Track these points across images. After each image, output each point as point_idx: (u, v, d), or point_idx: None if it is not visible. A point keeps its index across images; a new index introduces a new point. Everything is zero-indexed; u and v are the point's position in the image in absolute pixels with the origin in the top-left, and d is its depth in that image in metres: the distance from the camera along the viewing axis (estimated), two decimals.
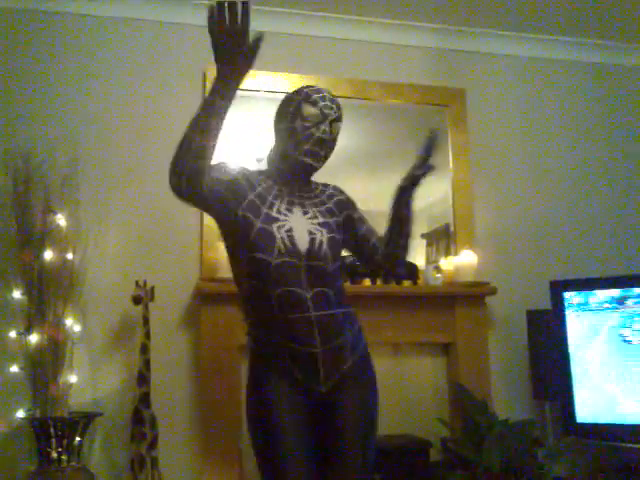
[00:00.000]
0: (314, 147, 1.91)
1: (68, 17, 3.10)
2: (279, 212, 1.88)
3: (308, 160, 1.91)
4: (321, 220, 1.92)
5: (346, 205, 2.05)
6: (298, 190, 1.97)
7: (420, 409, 3.16)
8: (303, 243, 1.85)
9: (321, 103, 1.93)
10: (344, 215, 2.03)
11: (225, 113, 1.77)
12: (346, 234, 2.03)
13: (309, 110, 1.93)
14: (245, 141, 3.20)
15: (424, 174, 2.00)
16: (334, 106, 1.94)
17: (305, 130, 1.91)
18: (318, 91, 1.96)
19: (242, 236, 1.86)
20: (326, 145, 1.92)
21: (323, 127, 1.91)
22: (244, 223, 1.85)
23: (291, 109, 1.96)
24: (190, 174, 1.74)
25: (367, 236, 2.07)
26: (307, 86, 2.00)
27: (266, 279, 1.83)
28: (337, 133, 1.96)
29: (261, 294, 1.84)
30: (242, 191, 1.88)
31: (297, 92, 1.99)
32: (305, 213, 1.92)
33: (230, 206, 1.87)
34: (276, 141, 2.01)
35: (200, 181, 1.76)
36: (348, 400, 1.87)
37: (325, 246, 1.87)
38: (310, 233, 1.88)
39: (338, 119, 1.95)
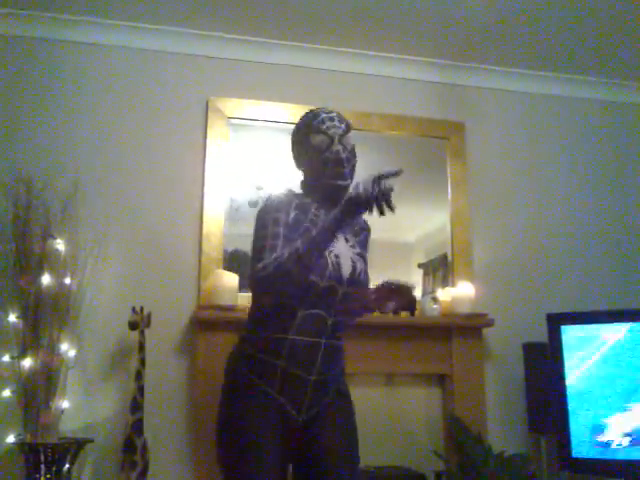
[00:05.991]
0: (336, 168, 1.96)
1: (70, 45, 3.13)
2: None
3: (336, 182, 1.96)
4: (358, 250, 2.01)
5: (365, 237, 2.13)
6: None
7: (414, 441, 3.13)
8: (346, 270, 1.92)
9: (324, 126, 1.99)
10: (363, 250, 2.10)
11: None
12: None
13: (316, 139, 1.99)
14: (247, 169, 3.22)
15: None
16: (336, 123, 2.00)
17: (320, 158, 1.97)
18: (317, 116, 2.02)
19: None
20: (346, 161, 1.97)
21: (335, 147, 1.97)
22: None
23: (302, 145, 2.04)
24: (280, 291, 1.82)
25: None
26: (306, 114, 2.07)
27: (304, 299, 1.86)
28: (352, 143, 2.02)
29: (285, 313, 1.86)
30: (300, 223, 1.92)
31: (300, 126, 2.07)
32: (347, 241, 2.00)
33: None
34: (303, 171, 2.08)
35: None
36: (330, 432, 1.90)
37: (363, 276, 1.96)
38: (352, 261, 1.95)
39: (346, 131, 2.01)
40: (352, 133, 2.07)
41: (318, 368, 1.85)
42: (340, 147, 1.97)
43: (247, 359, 1.91)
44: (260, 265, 1.79)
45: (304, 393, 1.86)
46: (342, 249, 1.95)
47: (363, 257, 2.02)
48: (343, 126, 2.01)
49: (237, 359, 1.95)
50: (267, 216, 1.91)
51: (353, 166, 2.02)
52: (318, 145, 1.98)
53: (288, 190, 2.04)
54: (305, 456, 1.90)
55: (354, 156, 2.04)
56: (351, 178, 2.00)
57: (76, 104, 3.10)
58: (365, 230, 2.15)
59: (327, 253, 1.88)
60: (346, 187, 1.97)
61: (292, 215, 1.93)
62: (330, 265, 1.87)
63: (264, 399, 1.86)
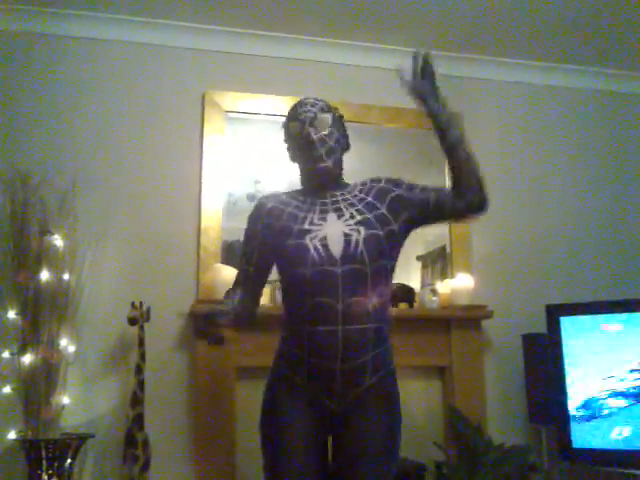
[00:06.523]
0: (311, 152, 1.95)
1: (67, 40, 3.12)
2: (312, 224, 1.89)
3: (315, 165, 1.95)
4: (359, 218, 1.89)
5: (387, 189, 1.99)
6: (330, 196, 1.98)
7: (415, 433, 3.12)
8: (338, 248, 1.82)
9: (297, 112, 2.00)
10: (389, 200, 1.96)
11: None
12: (409, 211, 1.95)
13: (291, 125, 2.01)
14: (245, 162, 3.21)
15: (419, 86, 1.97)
16: (308, 107, 1.99)
17: (296, 143, 1.99)
18: (294, 106, 2.04)
19: (280, 258, 1.93)
20: (318, 143, 1.94)
21: (306, 130, 1.95)
22: (280, 247, 1.91)
23: (285, 133, 2.07)
24: None
25: (427, 195, 1.96)
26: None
27: (302, 291, 1.83)
28: (328, 123, 1.98)
29: (296, 307, 1.86)
30: (272, 228, 1.96)
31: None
32: (340, 216, 1.90)
33: (274, 247, 1.97)
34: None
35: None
36: (362, 423, 1.84)
37: (362, 245, 1.83)
38: (345, 235, 1.84)
39: (321, 112, 1.99)
40: (329, 114, 2.03)
41: (341, 356, 1.78)
42: (311, 129, 1.94)
43: (281, 355, 1.94)
44: (225, 298, 2.06)
45: (332, 382, 1.81)
46: (331, 228, 1.87)
47: (368, 223, 1.88)
48: (315, 109, 1.98)
49: (276, 357, 1.97)
50: (245, 233, 2.09)
51: (331, 148, 1.95)
52: (293, 132, 2.00)
53: (271, 192, 2.11)
54: (341, 448, 1.87)
55: (332, 138, 1.97)
56: (333, 157, 1.96)
57: (73, 99, 3.09)
58: (392, 190, 1.99)
59: (309, 240, 1.84)
60: (326, 169, 1.95)
61: (264, 222, 2.00)
62: (313, 251, 1.82)
63: (296, 389, 1.86)
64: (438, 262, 3.38)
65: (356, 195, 1.98)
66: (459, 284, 3.20)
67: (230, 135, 3.20)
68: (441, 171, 3.43)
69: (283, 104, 3.24)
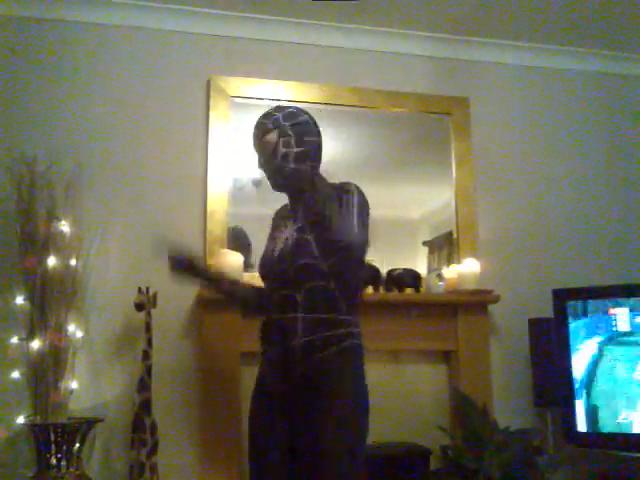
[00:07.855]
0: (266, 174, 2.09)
1: (72, 25, 3.11)
2: (281, 232, 2.06)
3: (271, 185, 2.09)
4: (300, 224, 1.98)
5: (333, 194, 1.93)
6: (299, 204, 2.04)
7: (421, 417, 3.15)
8: (278, 251, 2.00)
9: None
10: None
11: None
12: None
13: None
14: (251, 148, 3.20)
15: None
16: (254, 131, 2.11)
17: None
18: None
19: None
20: (265, 170, 2.08)
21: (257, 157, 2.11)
22: None
23: None
24: None
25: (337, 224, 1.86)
26: None
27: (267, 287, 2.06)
28: (269, 144, 2.06)
29: None
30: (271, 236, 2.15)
31: None
32: (293, 224, 2.03)
33: None
34: None
35: None
36: (301, 418, 1.90)
37: (290, 248, 1.96)
38: (285, 240, 2.00)
39: (259, 137, 2.08)
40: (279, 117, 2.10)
41: (274, 341, 1.95)
42: (258, 155, 2.11)
43: None
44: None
45: (273, 364, 1.96)
46: (284, 235, 2.03)
47: (302, 227, 1.94)
48: (255, 133, 2.11)
49: None
50: None
51: (274, 169, 2.04)
52: None
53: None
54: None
55: (275, 159, 2.03)
56: (279, 177, 2.04)
57: (78, 85, 3.09)
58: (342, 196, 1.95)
59: (270, 246, 2.06)
60: (279, 189, 2.07)
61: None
62: (267, 255, 2.05)
63: (264, 377, 2.05)
64: (445, 247, 3.38)
65: (313, 200, 1.91)
66: (465, 269, 3.20)
67: (236, 120, 3.19)
68: (446, 155, 3.44)
69: (288, 89, 3.24)
